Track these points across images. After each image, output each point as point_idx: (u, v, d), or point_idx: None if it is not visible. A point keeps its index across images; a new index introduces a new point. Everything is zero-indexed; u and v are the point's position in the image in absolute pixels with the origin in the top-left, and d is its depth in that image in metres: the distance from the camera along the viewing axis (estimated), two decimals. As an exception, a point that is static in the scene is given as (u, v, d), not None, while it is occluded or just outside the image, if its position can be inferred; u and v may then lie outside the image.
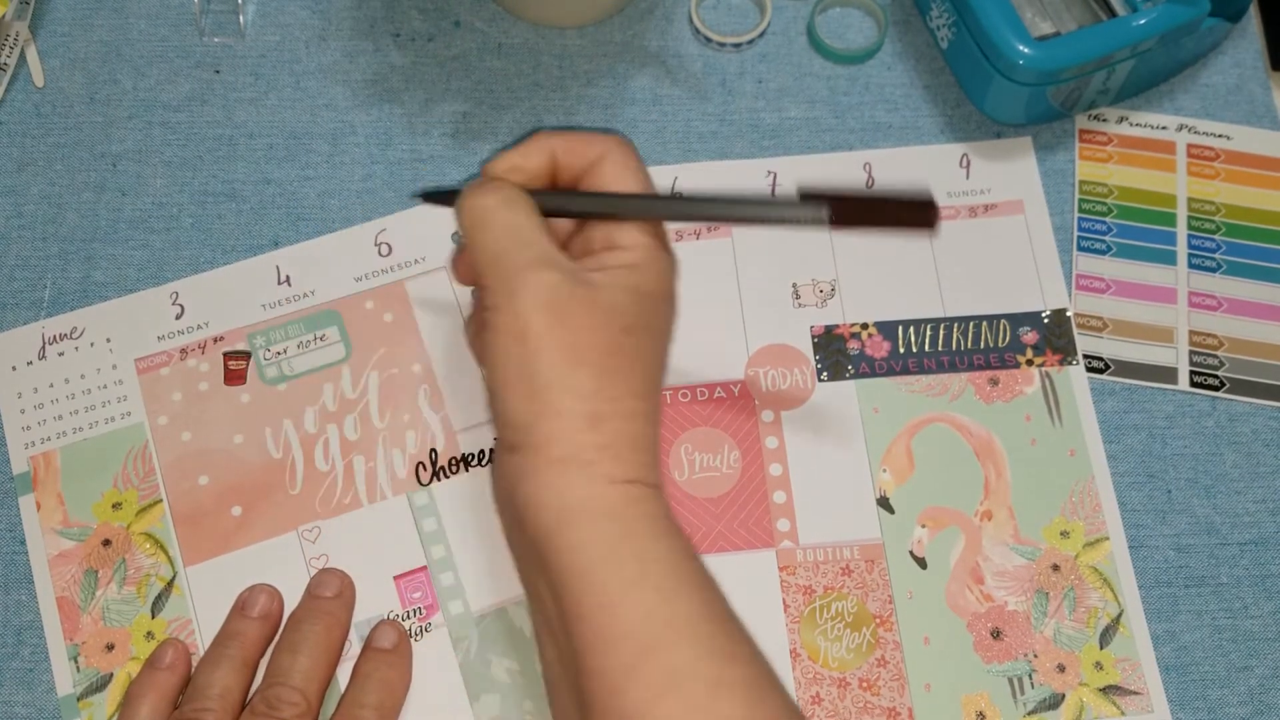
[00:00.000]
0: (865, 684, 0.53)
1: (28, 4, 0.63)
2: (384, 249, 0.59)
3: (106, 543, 0.54)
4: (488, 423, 0.56)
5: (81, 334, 0.57)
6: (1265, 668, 0.54)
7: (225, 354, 0.57)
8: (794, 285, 0.59)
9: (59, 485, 0.55)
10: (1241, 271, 0.60)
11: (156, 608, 0.53)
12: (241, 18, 0.64)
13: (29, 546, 0.54)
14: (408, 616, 0.53)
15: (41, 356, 0.57)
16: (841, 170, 0.62)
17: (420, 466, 0.55)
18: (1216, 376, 0.58)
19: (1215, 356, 0.59)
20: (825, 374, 0.58)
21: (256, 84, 0.63)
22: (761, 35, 0.64)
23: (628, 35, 0.64)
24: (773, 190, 0.61)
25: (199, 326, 0.58)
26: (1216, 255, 0.61)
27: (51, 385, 0.56)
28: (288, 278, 0.58)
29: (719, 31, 0.64)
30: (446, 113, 0.63)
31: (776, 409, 0.57)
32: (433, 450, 0.56)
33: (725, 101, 0.63)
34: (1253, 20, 0.66)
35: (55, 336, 0.57)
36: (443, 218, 0.59)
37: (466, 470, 0.55)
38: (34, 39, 0.64)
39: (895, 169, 0.62)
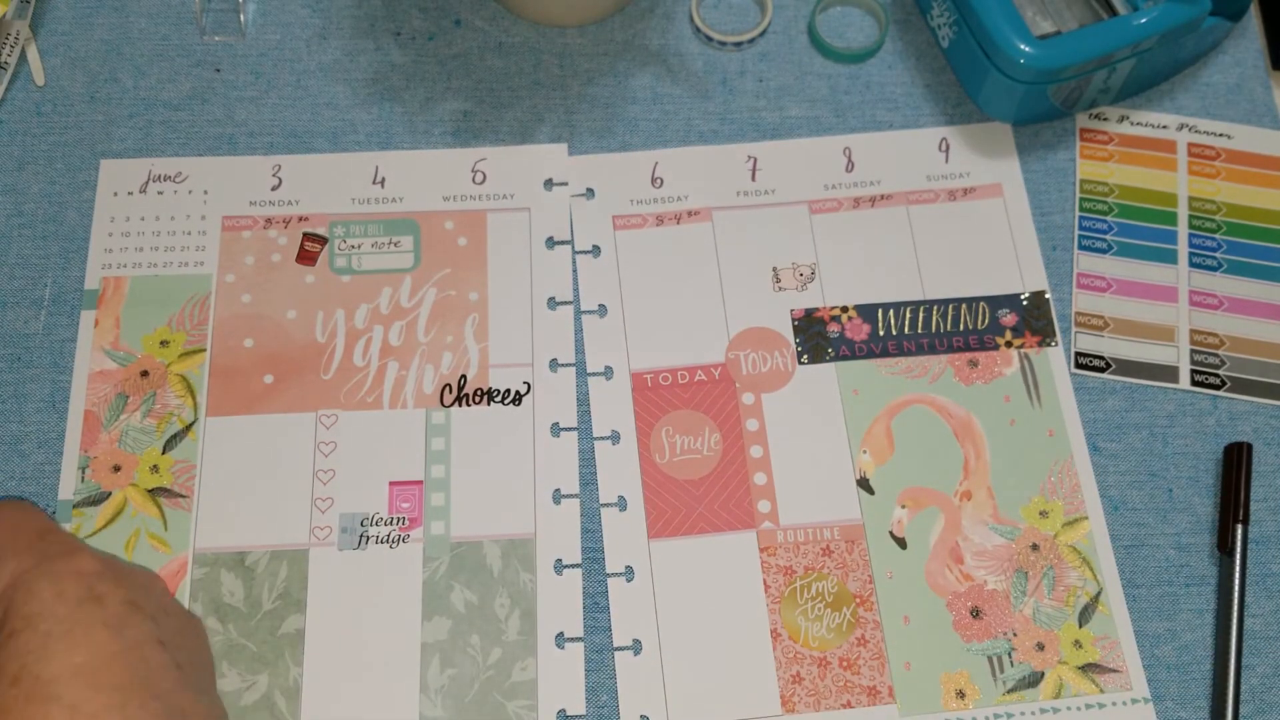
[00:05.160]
0: (845, 663, 0.53)
1: (28, 3, 0.63)
2: (478, 177, 0.61)
3: (145, 374, 0.57)
4: (522, 364, 0.57)
5: (184, 179, 0.60)
6: (1266, 666, 0.54)
7: (305, 234, 0.59)
8: (774, 269, 0.60)
9: (120, 309, 0.58)
10: (1242, 270, 0.60)
11: (169, 446, 0.56)
12: (242, 16, 0.64)
13: (76, 358, 0.57)
14: (391, 523, 0.55)
15: (143, 190, 0.60)
16: (822, 155, 0.62)
17: (447, 388, 0.57)
18: (1217, 375, 0.58)
19: (1216, 355, 0.59)
20: (805, 356, 0.58)
21: (257, 83, 0.63)
22: (762, 34, 0.64)
23: (629, 34, 0.64)
24: (753, 175, 0.61)
25: (290, 202, 0.60)
26: (1217, 254, 0.61)
27: (143, 218, 0.60)
28: (383, 179, 0.61)
29: (720, 30, 0.64)
30: (447, 111, 0.63)
31: (757, 391, 0.57)
32: (463, 376, 0.57)
33: (726, 100, 0.63)
34: (1253, 20, 0.66)
35: (161, 176, 0.60)
36: (538, 164, 0.61)
37: (489, 404, 0.57)
38: (35, 38, 0.63)
39: (875, 153, 0.62)
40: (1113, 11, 0.60)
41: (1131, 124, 0.63)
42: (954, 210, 0.61)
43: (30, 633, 0.43)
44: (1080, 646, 0.53)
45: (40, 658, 0.43)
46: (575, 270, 0.60)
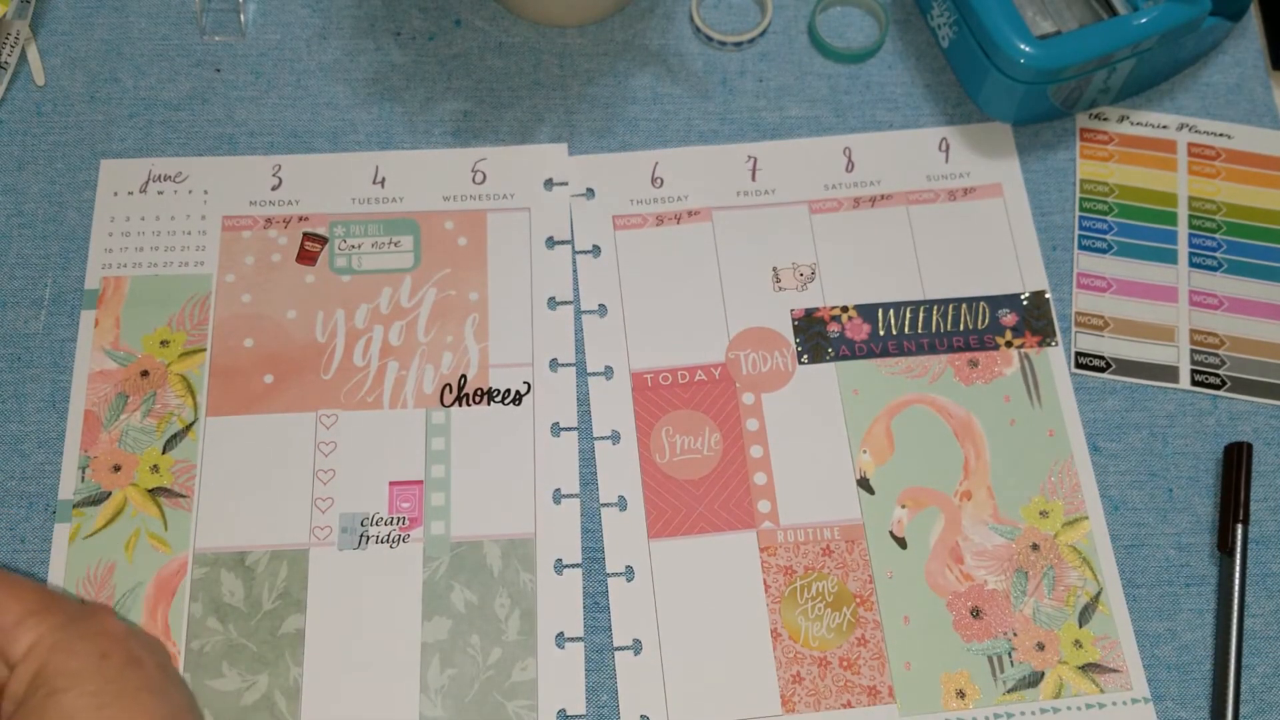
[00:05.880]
0: (846, 663, 0.53)
1: (29, 3, 0.63)
2: (478, 177, 0.61)
3: (145, 374, 0.57)
4: (522, 364, 0.57)
5: (185, 179, 0.61)
6: (1266, 666, 0.54)
7: (305, 234, 0.59)
8: (774, 269, 0.60)
9: (120, 309, 0.58)
10: (1242, 270, 0.60)
11: (169, 445, 0.56)
12: (242, 16, 0.64)
13: (76, 358, 0.57)
14: (391, 522, 0.55)
15: (143, 190, 0.60)
16: (822, 155, 0.62)
17: (447, 388, 0.57)
18: (1217, 375, 0.58)
19: (1216, 355, 0.59)
20: (805, 356, 0.58)
21: (257, 83, 0.63)
22: (762, 34, 0.64)
23: (629, 34, 0.64)
24: (753, 175, 0.61)
25: (290, 202, 0.60)
26: (1217, 254, 0.61)
27: (143, 218, 0.60)
28: (383, 179, 0.61)
29: (720, 30, 0.64)
30: (447, 111, 0.63)
31: (757, 391, 0.57)
32: (463, 376, 0.57)
33: (726, 100, 0.63)
34: (1253, 19, 0.66)
35: (161, 176, 0.61)
36: (538, 164, 0.61)
37: (489, 404, 0.57)
38: (35, 37, 0.64)
39: (875, 153, 0.62)
40: (1113, 11, 0.60)
41: (1131, 124, 0.63)
42: (954, 210, 0.61)
43: (78, 692, 0.43)
44: (1080, 646, 0.53)
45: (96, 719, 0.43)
46: (575, 270, 0.60)
